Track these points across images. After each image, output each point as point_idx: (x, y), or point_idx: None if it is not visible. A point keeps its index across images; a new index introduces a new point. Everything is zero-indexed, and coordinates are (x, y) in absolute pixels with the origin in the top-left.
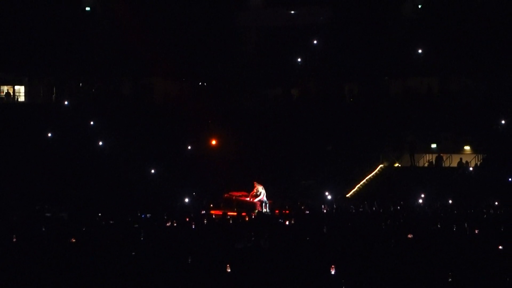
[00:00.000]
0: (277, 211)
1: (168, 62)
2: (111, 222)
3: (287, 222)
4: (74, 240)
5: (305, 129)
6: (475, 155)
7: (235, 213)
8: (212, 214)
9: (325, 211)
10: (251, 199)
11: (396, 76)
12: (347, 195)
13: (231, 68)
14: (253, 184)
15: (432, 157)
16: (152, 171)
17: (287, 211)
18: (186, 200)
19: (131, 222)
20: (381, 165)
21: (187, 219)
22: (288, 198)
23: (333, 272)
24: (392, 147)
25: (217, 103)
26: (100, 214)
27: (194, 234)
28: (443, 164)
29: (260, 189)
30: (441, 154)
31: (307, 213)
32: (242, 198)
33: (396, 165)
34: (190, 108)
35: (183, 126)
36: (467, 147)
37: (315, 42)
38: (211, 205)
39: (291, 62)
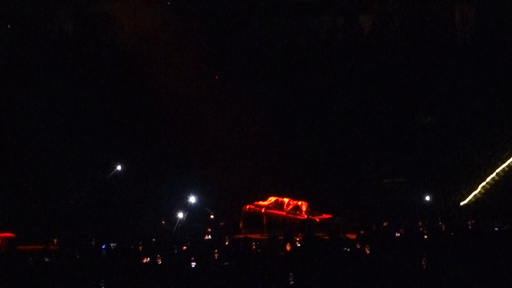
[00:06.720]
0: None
1: None
2: (46, 259)
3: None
4: None
5: (385, 87)
6: None
7: (266, 237)
8: (225, 240)
9: (425, 231)
10: (291, 213)
11: None
12: (462, 203)
13: None
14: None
15: None
16: (118, 167)
17: (362, 232)
18: (180, 216)
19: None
20: None
21: (184, 248)
22: (358, 210)
23: None
24: None
25: (222, 44)
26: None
27: (195, 278)
28: None
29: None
30: None
31: (394, 236)
32: (277, 212)
33: None
34: (181, 55)
35: (170, 88)
36: None
37: None
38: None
39: None
